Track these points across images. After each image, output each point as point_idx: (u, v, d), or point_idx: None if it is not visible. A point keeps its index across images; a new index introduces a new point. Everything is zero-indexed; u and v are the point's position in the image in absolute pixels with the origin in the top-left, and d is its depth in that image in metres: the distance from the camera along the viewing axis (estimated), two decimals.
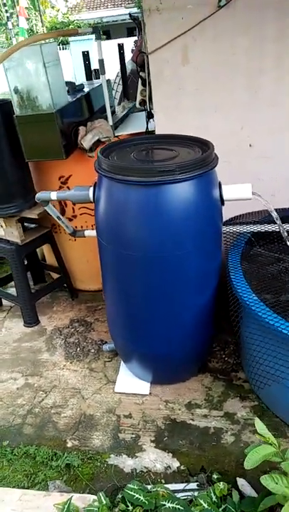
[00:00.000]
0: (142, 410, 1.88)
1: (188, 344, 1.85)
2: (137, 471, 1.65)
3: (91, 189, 1.71)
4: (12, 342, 2.42)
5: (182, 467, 1.64)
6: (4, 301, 2.75)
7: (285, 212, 2.16)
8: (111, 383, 2.04)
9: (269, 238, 2.00)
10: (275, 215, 1.73)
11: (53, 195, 1.78)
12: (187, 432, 1.76)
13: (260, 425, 1.27)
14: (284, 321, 1.45)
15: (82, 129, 2.21)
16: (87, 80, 3.18)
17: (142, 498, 1.41)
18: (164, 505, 1.38)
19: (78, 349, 2.29)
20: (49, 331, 2.47)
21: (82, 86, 2.51)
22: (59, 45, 17.25)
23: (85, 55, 3.16)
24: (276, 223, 1.84)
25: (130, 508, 1.43)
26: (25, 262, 2.87)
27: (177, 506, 1.37)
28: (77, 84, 2.56)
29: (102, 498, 1.40)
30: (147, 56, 2.06)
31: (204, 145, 1.67)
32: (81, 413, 1.90)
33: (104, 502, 1.39)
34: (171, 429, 1.78)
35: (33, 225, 2.56)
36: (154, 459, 1.68)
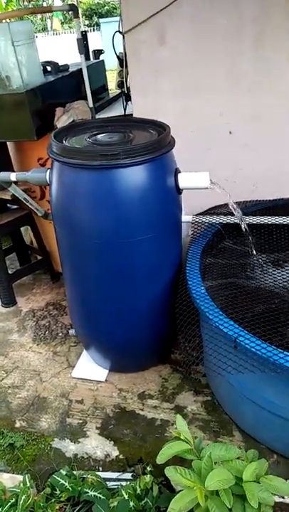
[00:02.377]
0: (95, 397, 1.87)
1: (144, 333, 1.82)
2: (78, 457, 1.65)
3: (48, 172, 1.68)
4: None
5: (121, 456, 1.63)
6: None
7: (261, 204, 2.08)
8: (71, 368, 2.04)
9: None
10: (233, 205, 1.65)
11: (13, 176, 1.77)
12: (134, 421, 1.75)
13: (180, 421, 1.24)
14: (223, 316, 1.39)
15: (59, 110, 2.18)
16: (86, 60, 3.13)
17: (66, 484, 1.41)
18: (87, 492, 1.38)
19: (47, 332, 2.30)
20: (24, 313, 2.49)
21: (66, 66, 2.46)
22: (92, 26, 17.15)
23: (83, 35, 3.10)
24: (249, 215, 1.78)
25: (58, 492, 1.44)
26: (11, 244, 2.91)
27: (99, 495, 1.36)
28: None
29: (27, 480, 1.41)
30: (123, 36, 1.99)
31: (162, 129, 1.61)
32: (36, 395, 1.92)
33: (28, 484, 1.39)
34: (119, 417, 1.77)
35: (15, 207, 2.57)
36: (95, 445, 1.67)
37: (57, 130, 1.61)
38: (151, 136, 1.60)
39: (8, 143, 2.44)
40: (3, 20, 2.02)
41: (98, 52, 3.22)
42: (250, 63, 1.92)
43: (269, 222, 1.85)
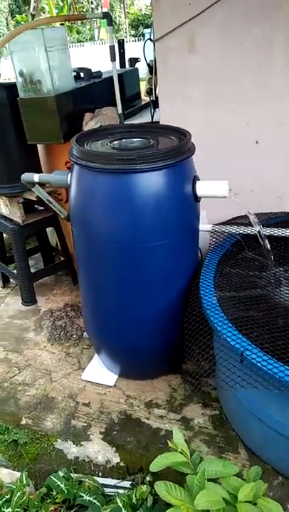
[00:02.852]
0: (102, 401, 1.87)
1: (155, 341, 1.80)
2: (79, 460, 1.65)
3: (69, 174, 1.71)
4: (6, 317, 2.51)
5: (122, 463, 1.60)
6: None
7: (284, 216, 2.03)
8: (81, 370, 2.04)
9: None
10: (252, 218, 1.61)
11: (36, 178, 1.81)
12: (138, 429, 1.72)
13: (176, 433, 1.21)
14: (232, 328, 1.35)
15: (87, 116, 2.22)
16: (120, 67, 3.19)
17: (62, 486, 1.40)
18: (82, 496, 1.37)
19: (62, 333, 2.33)
20: (42, 312, 2.53)
21: (100, 73, 2.51)
22: (138, 36, 17.47)
23: (120, 43, 3.17)
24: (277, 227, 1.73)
25: (54, 493, 1.44)
26: (37, 244, 2.98)
27: (94, 500, 1.35)
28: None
29: (24, 477, 1.41)
30: (154, 43, 2.01)
31: (183, 136, 1.60)
32: (44, 394, 1.93)
33: (25, 482, 1.40)
34: (124, 424, 1.75)
35: (41, 208, 2.63)
36: (97, 450, 1.66)
37: (79, 134, 1.64)
38: (171, 143, 1.59)
39: (38, 146, 2.51)
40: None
41: (134, 61, 3.27)
42: (279, 74, 1.88)
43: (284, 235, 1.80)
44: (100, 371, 2.00)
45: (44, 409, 1.85)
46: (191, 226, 1.66)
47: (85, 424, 1.77)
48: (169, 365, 1.98)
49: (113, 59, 2.19)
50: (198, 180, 1.61)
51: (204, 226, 2.04)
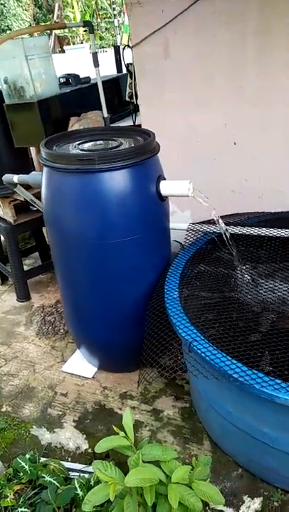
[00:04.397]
0: (79, 392, 1.95)
1: (129, 334, 1.86)
2: (52, 445, 1.73)
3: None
4: (0, 313, 2.64)
5: (90, 450, 1.68)
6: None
7: (262, 216, 2.06)
8: (64, 362, 2.14)
9: (242, 241, 1.89)
10: (215, 217, 1.66)
11: (15, 179, 1.91)
12: (110, 419, 1.79)
13: (126, 417, 1.28)
14: (186, 321, 1.41)
15: (73, 119, 2.32)
16: (117, 72, 3.28)
17: (26, 467, 1.49)
18: (44, 477, 1.45)
19: (50, 327, 2.43)
20: (34, 308, 2.64)
21: (88, 79, 2.60)
22: None
23: (116, 49, 3.26)
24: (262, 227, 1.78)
25: (21, 474, 1.53)
26: (34, 243, 3.10)
27: (53, 481, 1.43)
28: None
29: None
30: (132, 49, 2.09)
31: (148, 137, 1.66)
32: (26, 384, 2.03)
33: None
34: (97, 413, 1.83)
35: (34, 209, 2.74)
36: (68, 437, 1.75)
37: (49, 137, 1.73)
38: (137, 144, 1.66)
39: (31, 148, 2.63)
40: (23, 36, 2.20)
41: (131, 65, 3.35)
42: (253, 75, 1.93)
43: (256, 234, 1.84)
44: (80, 364, 2.09)
45: (24, 398, 1.95)
46: (158, 224, 1.72)
47: (60, 413, 1.85)
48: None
49: (96, 65, 2.28)
50: (164, 179, 1.67)
51: (179, 225, 2.10)
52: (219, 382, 1.28)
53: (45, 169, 1.64)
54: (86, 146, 1.69)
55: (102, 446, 1.21)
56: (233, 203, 2.18)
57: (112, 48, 3.64)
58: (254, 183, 2.18)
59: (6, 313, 2.63)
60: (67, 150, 1.69)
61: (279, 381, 1.13)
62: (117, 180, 1.53)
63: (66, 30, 15.06)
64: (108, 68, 3.48)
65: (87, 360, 2.09)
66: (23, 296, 2.72)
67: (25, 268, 2.76)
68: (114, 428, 1.25)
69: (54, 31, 14.44)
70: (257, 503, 1.40)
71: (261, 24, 1.82)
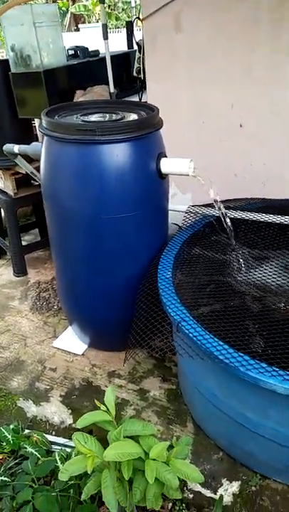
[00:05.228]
0: (68, 367, 1.95)
1: (121, 312, 1.83)
2: (37, 418, 1.74)
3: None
4: None
5: (74, 425, 1.68)
6: None
7: (264, 202, 2.02)
8: (55, 338, 2.13)
9: (240, 226, 1.86)
10: (214, 196, 1.62)
11: (16, 149, 1.88)
12: (96, 396, 1.77)
13: (109, 393, 1.27)
14: (176, 301, 1.39)
15: (78, 93, 2.27)
16: (128, 48, 3.20)
17: (9, 437, 1.50)
18: (26, 448, 1.45)
19: (44, 303, 2.42)
20: (30, 283, 2.63)
21: (97, 52, 2.54)
22: None
23: (130, 24, 3.18)
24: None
25: (3, 444, 1.53)
26: (34, 219, 3.08)
27: (35, 452, 1.43)
28: None
29: None
30: (142, 22, 2.03)
31: (151, 111, 1.62)
32: (16, 357, 2.03)
33: None
34: (84, 390, 1.83)
35: (36, 183, 2.71)
36: (54, 411, 1.75)
37: (51, 107, 1.69)
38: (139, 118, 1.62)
39: (36, 121, 2.59)
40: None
41: (141, 41, 3.27)
42: (264, 55, 1.86)
43: (255, 219, 1.80)
44: (71, 340, 2.08)
45: (13, 371, 1.95)
46: (155, 202, 1.69)
47: (47, 387, 1.85)
48: None
49: (105, 37, 2.22)
50: (165, 157, 1.63)
51: (179, 207, 2.07)
52: (205, 364, 1.27)
53: (45, 139, 1.61)
54: (88, 117, 1.65)
55: (85, 420, 1.20)
56: (235, 188, 2.14)
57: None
58: (258, 168, 2.13)
59: (1, 287, 2.62)
60: (69, 120, 1.65)
61: (264, 365, 1.11)
62: (117, 154, 1.49)
63: (82, 8, 14.72)
64: (122, 48, 3.41)
65: (78, 337, 2.08)
66: (20, 270, 2.71)
67: (24, 243, 2.74)
68: (97, 402, 1.24)
69: (70, 10, 14.18)
70: (235, 486, 1.40)
71: (273, 2, 1.75)
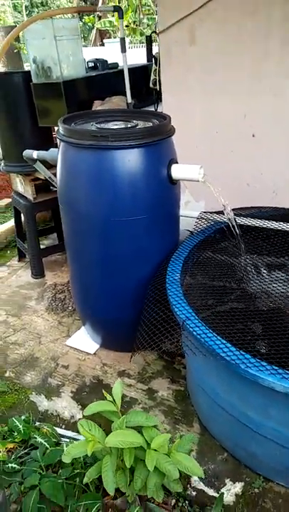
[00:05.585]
0: (80, 365, 2.01)
1: (131, 314, 1.89)
2: (48, 412, 1.80)
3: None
4: (15, 287, 2.73)
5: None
6: None
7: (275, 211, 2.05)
8: (68, 337, 2.20)
9: (250, 234, 1.90)
10: (224, 205, 1.67)
11: (35, 154, 1.98)
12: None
13: (116, 386, 1.32)
14: (182, 301, 1.44)
15: (97, 102, 2.37)
16: (147, 61, 3.30)
17: (20, 427, 1.56)
18: (36, 438, 1.52)
19: (60, 304, 2.50)
20: (47, 285, 2.72)
21: (116, 65, 2.64)
22: None
23: (148, 38, 3.28)
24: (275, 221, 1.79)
25: (15, 433, 1.60)
26: (53, 224, 3.18)
27: (44, 442, 1.49)
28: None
29: None
30: (158, 35, 2.11)
31: (163, 120, 1.69)
32: (31, 354, 2.11)
33: None
34: (94, 387, 1.89)
35: (55, 189, 2.81)
36: (64, 406, 1.81)
37: (68, 115, 1.78)
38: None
39: (56, 129, 2.69)
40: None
41: (157, 53, 3.37)
42: (275, 66, 1.92)
43: (265, 227, 1.84)
44: (84, 340, 2.15)
45: (27, 367, 2.03)
46: (166, 207, 1.75)
47: (59, 383, 1.92)
48: None
49: (123, 50, 2.31)
50: (176, 163, 1.69)
51: (191, 212, 2.12)
52: (208, 361, 1.31)
53: (61, 145, 1.70)
54: (103, 125, 1.73)
55: (91, 409, 1.26)
56: (247, 196, 2.19)
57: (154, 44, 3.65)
58: (270, 177, 2.17)
59: (19, 288, 2.72)
60: (84, 127, 1.74)
61: (264, 363, 1.15)
62: (129, 159, 1.57)
63: (108, 24, 15.06)
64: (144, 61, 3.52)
65: (90, 337, 2.15)
66: (38, 272, 2.80)
67: (43, 247, 2.85)
68: (104, 392, 1.30)
69: (96, 25, 14.53)
70: (238, 487, 1.42)
71: (286, 14, 1.81)
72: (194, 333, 1.29)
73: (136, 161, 1.58)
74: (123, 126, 1.71)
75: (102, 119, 1.82)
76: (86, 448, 1.10)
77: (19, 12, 16.37)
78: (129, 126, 1.69)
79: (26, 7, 15.88)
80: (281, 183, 2.15)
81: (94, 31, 14.72)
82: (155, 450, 1.15)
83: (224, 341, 1.24)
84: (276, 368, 1.13)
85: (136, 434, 1.17)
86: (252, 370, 1.13)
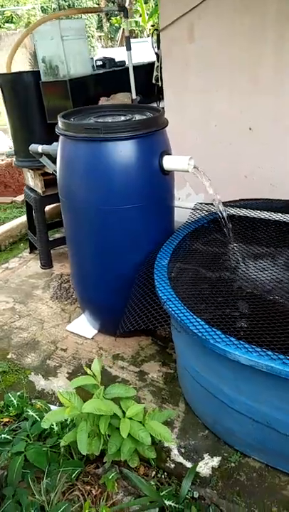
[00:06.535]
0: (77, 349, 2.11)
1: (125, 302, 1.99)
2: (44, 391, 1.91)
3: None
4: (24, 276, 2.86)
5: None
6: None
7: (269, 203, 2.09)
8: (69, 323, 2.31)
9: (243, 223, 1.95)
10: (214, 195, 1.73)
11: (40, 148, 2.10)
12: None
13: (95, 363, 1.40)
14: (166, 284, 1.51)
15: (102, 99, 2.47)
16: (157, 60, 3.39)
17: (15, 401, 1.67)
18: (28, 412, 1.62)
19: (64, 293, 2.61)
20: (54, 275, 2.84)
21: (123, 63, 2.74)
22: None
23: (157, 37, 3.36)
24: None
25: (10, 408, 1.71)
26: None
27: (35, 415, 1.59)
28: None
29: None
30: (159, 33, 2.19)
31: (157, 113, 1.77)
32: (33, 338, 2.22)
33: None
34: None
35: None
36: (60, 385, 1.91)
37: (68, 111, 1.88)
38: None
39: None
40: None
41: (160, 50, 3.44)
42: (271, 62, 1.97)
43: (256, 217, 1.89)
44: (83, 325, 2.25)
45: (28, 349, 2.14)
46: (159, 197, 1.82)
47: (57, 365, 2.02)
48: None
49: (128, 49, 2.41)
50: (168, 154, 1.77)
51: (186, 203, 2.19)
52: (189, 342, 1.38)
53: (60, 139, 1.80)
54: (101, 119, 1.83)
55: (75, 383, 1.35)
56: (245, 189, 2.24)
57: None
58: (267, 170, 2.22)
59: (28, 277, 2.85)
60: (81, 121, 1.84)
61: (233, 339, 1.21)
62: (121, 150, 1.66)
63: (134, 24, 15.24)
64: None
65: (89, 323, 2.25)
66: (46, 263, 2.93)
67: (51, 239, 2.97)
68: (84, 367, 1.39)
69: (122, 26, 14.76)
70: (215, 461, 1.48)
71: (280, 13, 1.86)
72: (172, 312, 1.36)
73: (127, 152, 1.66)
74: (118, 119, 1.80)
75: (102, 113, 1.91)
76: (64, 414, 1.19)
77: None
78: (122, 119, 1.77)
79: (54, 10, 16.25)
80: (279, 175, 2.19)
81: (120, 31, 14.95)
82: (130, 419, 1.23)
83: (199, 320, 1.31)
84: (243, 343, 1.19)
85: (112, 403, 1.25)
86: (220, 345, 1.20)
